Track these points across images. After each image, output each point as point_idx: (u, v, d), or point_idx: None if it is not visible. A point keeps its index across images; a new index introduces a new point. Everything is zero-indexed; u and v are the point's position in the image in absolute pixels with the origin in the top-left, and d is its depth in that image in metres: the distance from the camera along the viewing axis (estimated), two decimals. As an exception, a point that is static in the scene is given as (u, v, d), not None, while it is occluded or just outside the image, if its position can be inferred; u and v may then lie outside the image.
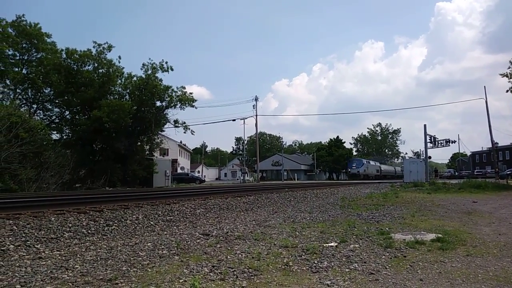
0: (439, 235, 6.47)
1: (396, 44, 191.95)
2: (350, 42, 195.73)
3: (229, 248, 5.71)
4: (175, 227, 7.98)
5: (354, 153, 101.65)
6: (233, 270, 4.43)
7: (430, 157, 40.33)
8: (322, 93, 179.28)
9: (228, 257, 5.11)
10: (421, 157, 50.92)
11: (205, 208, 10.65)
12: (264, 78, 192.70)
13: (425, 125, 37.55)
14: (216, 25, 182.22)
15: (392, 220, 8.99)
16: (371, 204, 13.62)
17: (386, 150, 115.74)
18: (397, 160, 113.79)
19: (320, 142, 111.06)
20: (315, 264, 4.71)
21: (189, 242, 6.15)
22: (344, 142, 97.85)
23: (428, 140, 37.45)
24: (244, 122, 55.38)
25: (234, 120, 55.11)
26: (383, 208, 12.08)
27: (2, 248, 5.33)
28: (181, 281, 3.99)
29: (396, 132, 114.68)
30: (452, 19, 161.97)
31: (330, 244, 5.92)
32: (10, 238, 5.76)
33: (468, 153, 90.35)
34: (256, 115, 52.72)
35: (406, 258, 5.09)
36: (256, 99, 53.38)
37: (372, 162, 74.73)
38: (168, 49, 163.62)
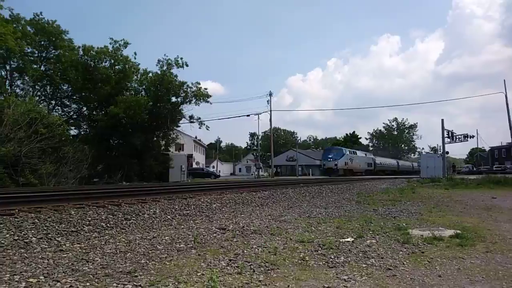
0: (458, 231, 6.38)
1: (412, 38, 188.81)
2: (365, 36, 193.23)
3: (245, 242, 5.75)
4: (191, 221, 8.07)
5: (370, 149, 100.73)
6: (250, 264, 4.46)
7: (447, 152, 39.72)
8: (337, 88, 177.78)
9: (245, 251, 5.14)
10: (439, 152, 50.06)
11: (221, 203, 10.72)
12: (278, 73, 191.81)
13: (442, 120, 37.07)
14: (230, 20, 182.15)
15: (409, 216, 8.91)
16: (388, 199, 13.51)
17: (403, 145, 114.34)
18: (414, 155, 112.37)
19: (335, 137, 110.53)
20: (331, 259, 4.71)
21: (205, 236, 6.21)
22: (360, 137, 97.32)
23: (445, 135, 36.90)
24: (258, 117, 55.49)
25: (248, 115, 55.14)
26: (400, 203, 11.97)
27: (25, 241, 5.48)
28: (198, 274, 4.04)
29: (413, 127, 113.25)
30: (470, 12, 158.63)
31: (346, 240, 5.91)
32: (33, 231, 5.91)
33: (487, 148, 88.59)
34: (271, 111, 52.63)
35: (424, 254, 5.04)
36: (271, 95, 53.27)
37: (360, 153, 59.44)
38: (182, 45, 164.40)
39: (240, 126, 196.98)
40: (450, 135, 37.93)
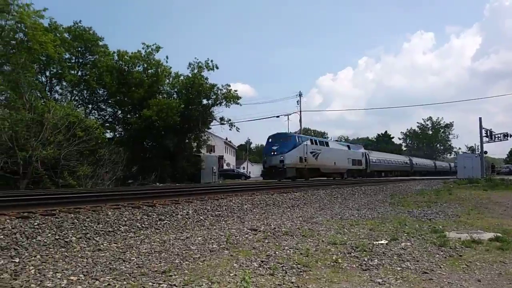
0: (498, 234, 6.13)
1: (447, 34, 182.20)
2: (398, 33, 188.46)
3: (277, 243, 5.76)
4: (223, 222, 8.16)
5: (404, 149, 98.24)
6: (282, 265, 4.47)
7: (486, 152, 38.24)
8: (369, 87, 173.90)
9: (277, 252, 5.15)
10: (476, 152, 48.15)
11: (252, 204, 10.78)
12: (308, 73, 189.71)
13: (480, 118, 35.77)
14: (259, 21, 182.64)
15: (445, 218, 8.64)
16: (423, 201, 13.16)
17: (438, 145, 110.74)
18: (450, 155, 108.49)
19: (367, 137, 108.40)
20: (365, 262, 4.64)
21: (237, 237, 6.27)
22: (393, 137, 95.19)
23: (483, 134, 35.56)
24: (288, 118, 55.14)
25: (278, 116, 55.37)
26: (436, 205, 11.64)
27: (65, 240, 5.72)
28: (231, 275, 4.08)
29: (449, 126, 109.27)
30: (510, 4, 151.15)
31: (380, 242, 5.81)
32: (72, 231, 6.15)
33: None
34: (300, 111, 52.38)
35: (462, 257, 4.88)
36: (300, 95, 53.09)
37: (335, 145, 38.16)
38: (212, 47, 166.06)
39: (270, 127, 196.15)
40: (488, 134, 36.51)
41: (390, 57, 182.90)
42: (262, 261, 4.66)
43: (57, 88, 32.36)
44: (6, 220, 6.11)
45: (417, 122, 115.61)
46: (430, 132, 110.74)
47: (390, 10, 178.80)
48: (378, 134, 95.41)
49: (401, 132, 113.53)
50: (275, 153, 28.54)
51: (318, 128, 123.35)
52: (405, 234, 6.48)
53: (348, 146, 39.50)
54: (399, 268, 4.38)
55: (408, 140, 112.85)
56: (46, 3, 45.36)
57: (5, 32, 23.78)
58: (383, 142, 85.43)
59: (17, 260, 4.61)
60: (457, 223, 7.87)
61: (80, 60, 33.28)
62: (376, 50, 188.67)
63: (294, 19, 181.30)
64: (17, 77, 21.15)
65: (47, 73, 30.88)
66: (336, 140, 40.80)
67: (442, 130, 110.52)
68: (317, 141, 33.20)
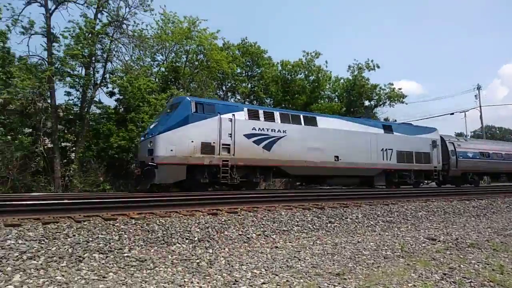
0: None
1: None
2: None
3: (461, 256, 5.18)
4: (396, 229, 7.77)
5: None
6: (469, 281, 4.01)
7: None
8: None
9: (462, 266, 4.65)
10: None
11: (427, 211, 9.94)
12: (486, 63, 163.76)
13: None
14: (423, 13, 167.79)
15: None
16: None
17: None
18: None
19: None
20: None
21: (413, 246, 5.89)
22: None
23: None
24: (465, 115, 48.86)
25: (452, 113, 49.34)
26: None
27: (247, 236, 6.35)
28: (410, 285, 3.88)
29: None
30: None
31: None
32: (252, 228, 6.78)
33: None
34: (480, 106, 45.72)
35: None
36: (479, 88, 46.32)
37: (331, 122, 16.71)
38: (372, 46, 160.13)
39: (442, 127, 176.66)
40: None
41: None
42: (444, 274, 4.28)
43: (232, 100, 36.36)
44: (201, 216, 7.14)
45: None
46: None
47: None
48: None
49: None
50: (146, 137, 13.23)
51: (506, 125, 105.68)
52: None
53: (387, 127, 19.71)
54: None
55: None
56: (218, 24, 51.54)
57: (190, 55, 28.03)
58: None
59: (210, 251, 5.35)
60: None
61: (249, 73, 36.57)
62: None
63: (462, 4, 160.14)
64: (201, 93, 24.53)
65: (224, 88, 35.00)
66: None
67: None
68: (277, 114, 15.56)
